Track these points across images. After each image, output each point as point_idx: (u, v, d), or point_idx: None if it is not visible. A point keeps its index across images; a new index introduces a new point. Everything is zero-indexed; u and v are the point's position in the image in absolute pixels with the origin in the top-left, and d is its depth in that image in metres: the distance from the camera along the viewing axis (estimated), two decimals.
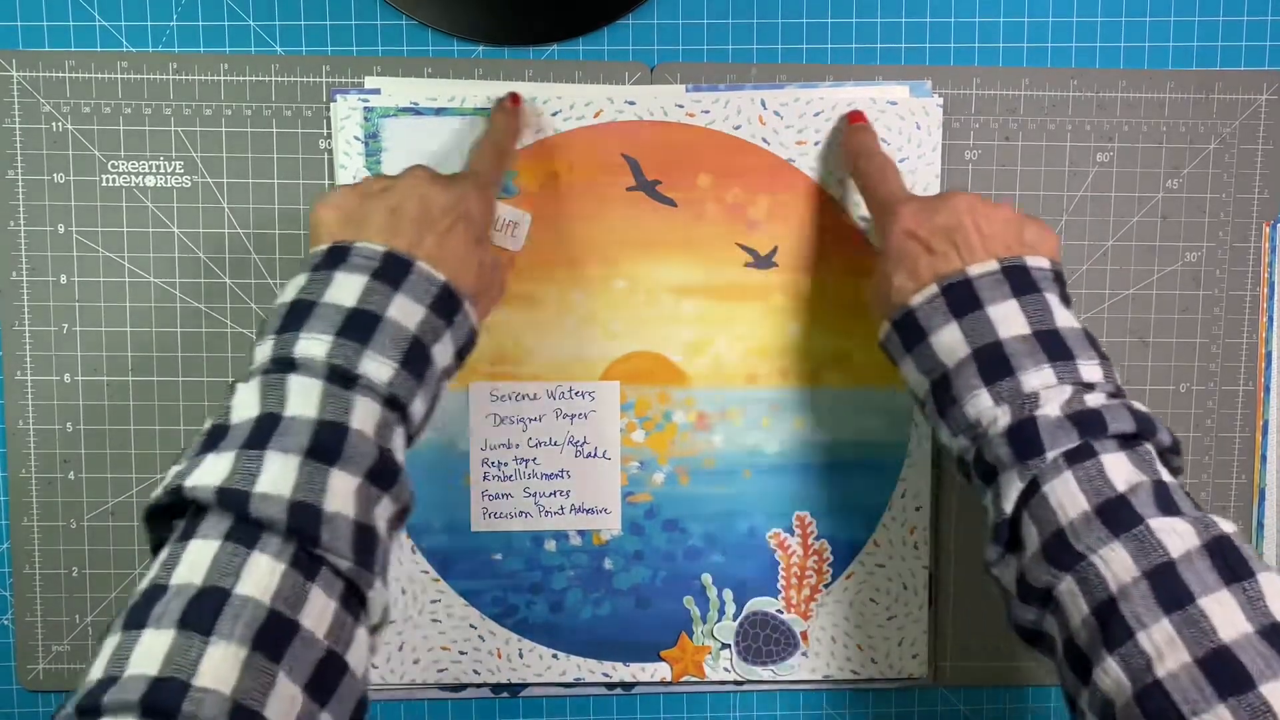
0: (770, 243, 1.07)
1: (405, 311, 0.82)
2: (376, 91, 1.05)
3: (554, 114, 1.05)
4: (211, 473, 0.75)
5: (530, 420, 1.08)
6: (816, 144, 1.07)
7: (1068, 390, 0.82)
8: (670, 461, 1.09)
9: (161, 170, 1.06)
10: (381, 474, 0.78)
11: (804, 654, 1.11)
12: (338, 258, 0.84)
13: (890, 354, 0.92)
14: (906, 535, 1.10)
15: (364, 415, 0.79)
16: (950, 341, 0.85)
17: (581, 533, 1.09)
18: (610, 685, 1.12)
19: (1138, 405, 0.83)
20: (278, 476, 0.74)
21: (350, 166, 1.05)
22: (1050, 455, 0.80)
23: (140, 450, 1.09)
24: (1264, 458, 1.13)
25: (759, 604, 1.11)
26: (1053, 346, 0.83)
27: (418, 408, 0.83)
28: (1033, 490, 0.80)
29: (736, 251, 1.07)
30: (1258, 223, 1.11)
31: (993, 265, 0.86)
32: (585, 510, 1.09)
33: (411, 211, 0.86)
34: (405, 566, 1.09)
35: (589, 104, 1.05)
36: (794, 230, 1.07)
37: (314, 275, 0.83)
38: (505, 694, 1.12)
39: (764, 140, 1.06)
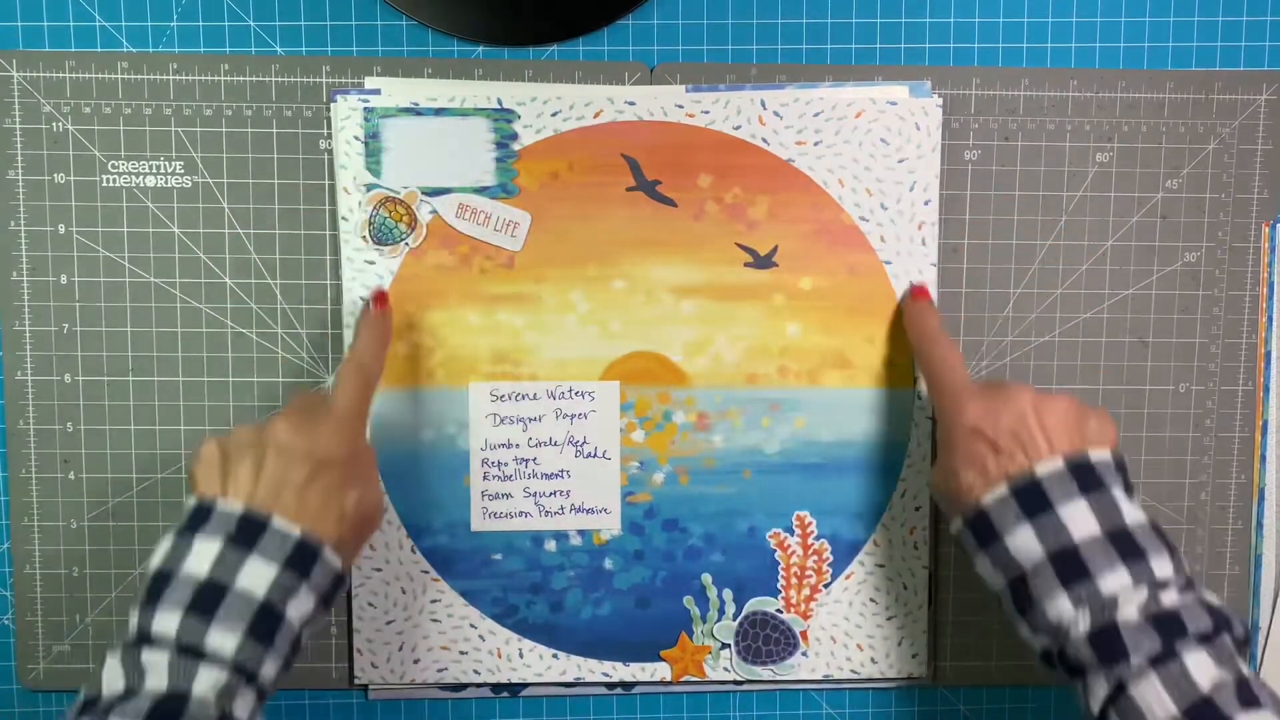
0: (770, 243, 1.07)
1: (255, 576, 0.85)
2: (377, 92, 1.05)
3: (554, 114, 1.05)
4: None
5: (530, 420, 1.08)
6: (816, 144, 1.06)
7: (1144, 591, 0.85)
8: (670, 461, 1.09)
9: (162, 170, 1.06)
10: None
11: (804, 654, 1.11)
12: (199, 519, 0.88)
13: (964, 547, 0.95)
14: (906, 535, 1.10)
15: (206, 683, 0.82)
16: (1025, 544, 0.88)
17: (581, 533, 1.09)
18: (610, 685, 1.12)
19: (1211, 598, 0.86)
20: None
21: (350, 167, 1.05)
22: (1135, 660, 0.82)
23: (140, 450, 1.09)
24: (1264, 458, 1.13)
25: (759, 604, 1.11)
26: (1125, 546, 0.86)
27: (268, 669, 0.86)
28: (1119, 692, 0.83)
29: (736, 251, 1.07)
30: (1257, 223, 1.11)
31: (1059, 464, 0.89)
32: (585, 510, 1.09)
33: (270, 466, 0.89)
34: (405, 566, 1.09)
35: (589, 104, 1.05)
36: (794, 230, 1.07)
37: (178, 540, 0.87)
38: (505, 694, 1.12)
39: (764, 140, 1.06)
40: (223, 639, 0.83)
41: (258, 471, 0.89)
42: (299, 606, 0.87)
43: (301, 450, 0.90)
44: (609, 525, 1.09)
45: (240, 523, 0.87)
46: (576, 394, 1.08)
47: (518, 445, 1.09)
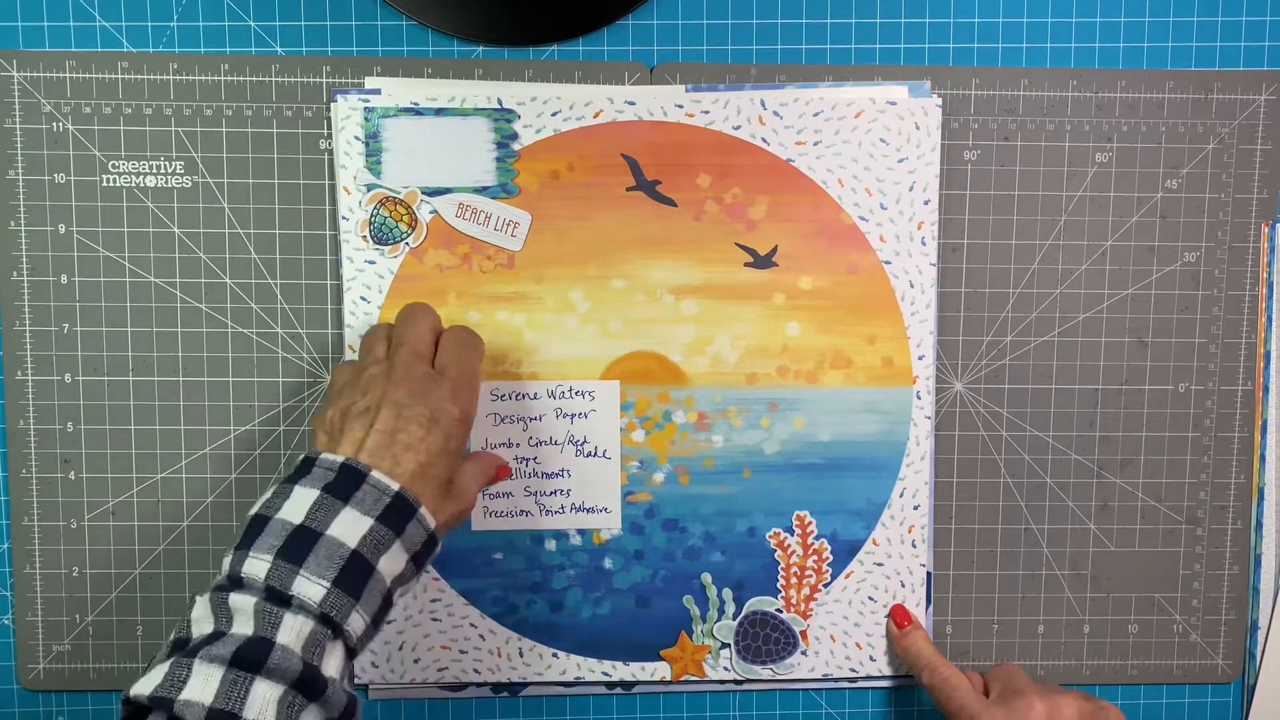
0: (770, 242, 1.07)
1: (349, 526, 0.86)
2: (377, 92, 1.05)
3: (554, 114, 1.06)
4: (150, 681, 0.80)
5: (531, 419, 1.08)
6: (816, 144, 1.06)
7: None
8: (670, 461, 1.09)
9: (162, 170, 1.06)
10: (308, 685, 0.82)
11: (803, 653, 1.11)
12: (303, 470, 0.90)
13: None
14: (905, 534, 1.10)
15: (292, 631, 0.82)
16: None
17: (581, 532, 1.09)
18: (610, 685, 1.12)
19: None
20: (202, 685, 0.79)
21: (350, 167, 1.05)
22: None
23: (140, 450, 1.09)
24: (1263, 458, 1.13)
25: (758, 603, 1.11)
26: None
27: (355, 622, 0.86)
28: None
29: (736, 251, 1.07)
30: (1256, 223, 1.11)
31: None
32: (585, 509, 1.10)
33: (382, 422, 0.91)
34: None
35: (589, 104, 1.06)
36: (793, 230, 1.07)
37: (279, 488, 0.89)
38: (505, 693, 1.12)
39: (763, 140, 1.06)
40: (310, 586, 0.83)
41: (369, 427, 0.90)
42: (391, 562, 0.88)
43: (418, 409, 0.92)
44: (609, 524, 1.10)
45: (340, 473, 0.88)
46: (577, 393, 1.08)
47: (518, 444, 1.08)
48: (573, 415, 1.09)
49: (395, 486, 0.88)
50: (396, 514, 0.88)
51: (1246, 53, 1.10)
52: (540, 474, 1.09)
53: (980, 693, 1.04)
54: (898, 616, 1.10)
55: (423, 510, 0.90)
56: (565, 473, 1.09)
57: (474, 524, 1.09)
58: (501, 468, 1.04)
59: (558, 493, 1.09)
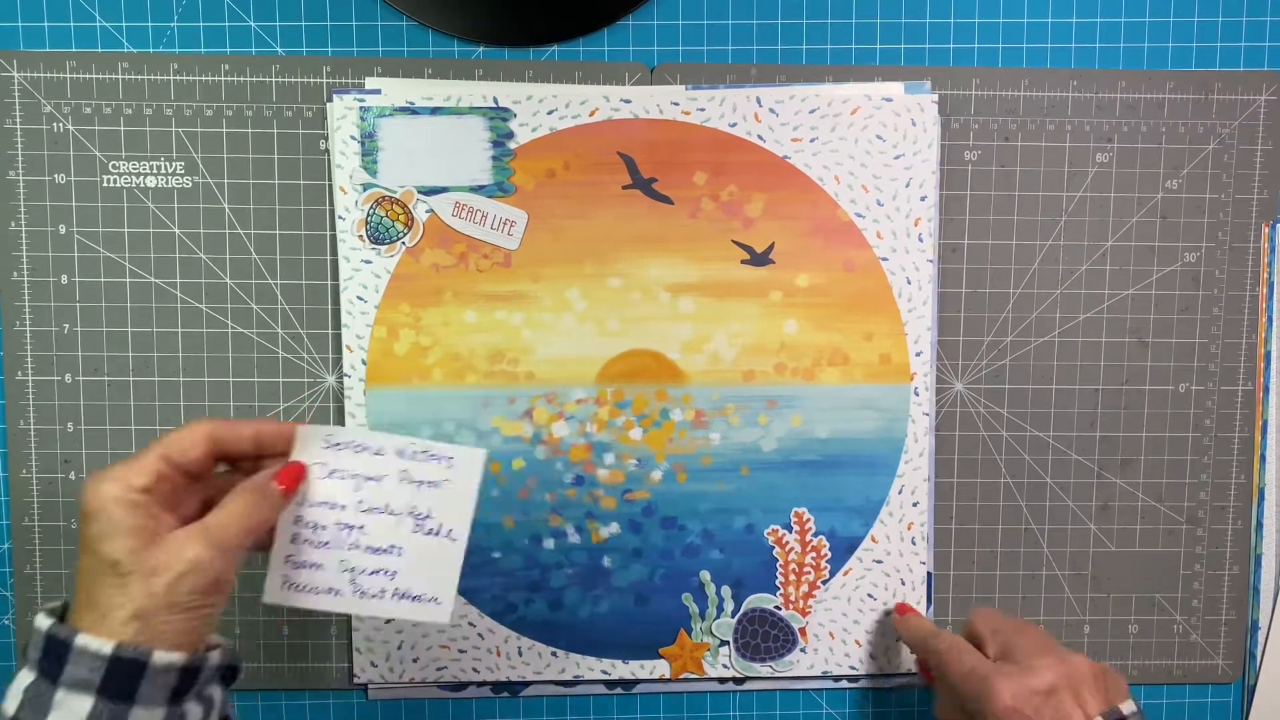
0: (766, 240, 1.07)
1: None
2: (376, 92, 1.05)
3: (550, 112, 1.06)
4: None
5: (367, 479, 0.90)
6: (812, 141, 1.07)
7: None
8: (668, 459, 1.09)
9: (162, 171, 1.07)
10: None
11: (802, 650, 1.11)
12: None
13: None
14: (904, 531, 1.10)
15: None
16: None
17: (580, 530, 1.09)
18: (610, 683, 1.12)
19: None
20: None
21: (346, 166, 1.05)
22: None
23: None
24: (1263, 458, 1.13)
25: (757, 600, 1.11)
26: None
27: None
28: None
29: (733, 249, 1.07)
30: (1257, 223, 1.11)
31: None
32: (410, 597, 0.90)
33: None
34: None
35: (584, 102, 1.06)
36: (790, 227, 1.07)
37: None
38: (505, 693, 1.12)
39: (760, 137, 1.06)
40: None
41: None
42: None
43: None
44: (436, 616, 0.91)
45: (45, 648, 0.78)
46: (432, 458, 0.90)
47: (343, 506, 0.89)
48: (421, 483, 0.90)
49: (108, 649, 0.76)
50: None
51: (1246, 53, 1.10)
52: (364, 547, 0.90)
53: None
54: (900, 609, 1.10)
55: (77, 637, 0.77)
56: (395, 549, 0.90)
57: (267, 595, 0.89)
58: (283, 473, 0.87)
59: (380, 573, 0.90)
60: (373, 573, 0.90)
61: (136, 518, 0.79)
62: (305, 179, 1.07)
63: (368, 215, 1.06)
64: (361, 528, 0.89)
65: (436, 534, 0.90)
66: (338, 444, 0.89)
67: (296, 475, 0.87)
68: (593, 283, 1.07)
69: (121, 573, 0.77)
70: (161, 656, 0.77)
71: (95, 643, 0.75)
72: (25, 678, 0.77)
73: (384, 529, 0.89)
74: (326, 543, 0.89)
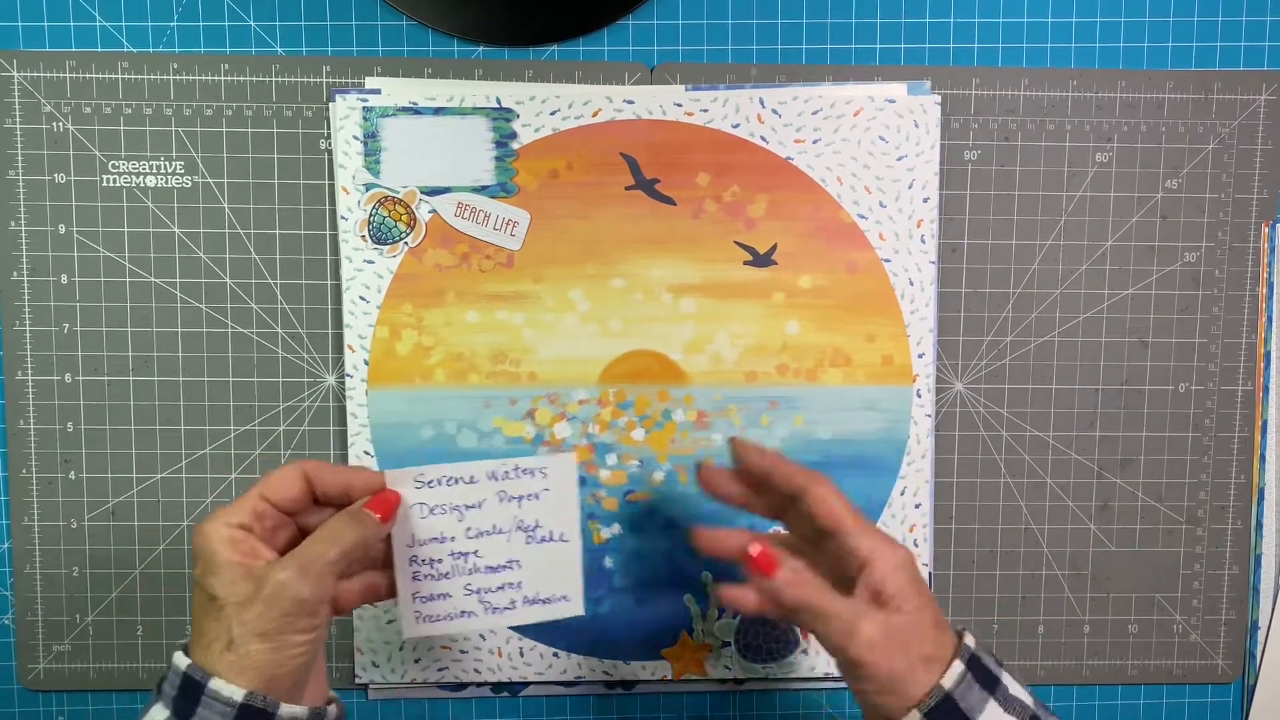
0: (769, 240, 1.07)
1: None
2: (377, 91, 1.05)
3: (553, 113, 1.06)
4: None
5: (468, 508, 0.93)
6: (815, 142, 1.07)
7: None
8: (670, 459, 1.09)
9: (162, 170, 1.06)
10: None
11: (804, 651, 1.11)
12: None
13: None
14: (907, 533, 1.10)
15: None
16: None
17: (581, 530, 1.09)
18: (611, 684, 1.12)
19: None
20: None
21: (349, 166, 1.05)
22: None
23: (140, 450, 1.09)
24: (1263, 458, 1.13)
25: None
26: None
27: None
28: None
29: (735, 249, 1.07)
30: (1256, 223, 1.11)
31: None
32: (541, 601, 0.95)
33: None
34: None
35: (587, 103, 1.06)
36: (793, 228, 1.07)
37: None
38: (505, 693, 1.12)
39: (762, 139, 1.06)
40: None
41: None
42: None
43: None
44: (572, 611, 0.96)
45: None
46: (523, 472, 0.93)
47: (453, 538, 0.93)
48: (520, 498, 0.93)
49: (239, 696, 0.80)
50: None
51: (1246, 53, 1.10)
52: (483, 568, 0.93)
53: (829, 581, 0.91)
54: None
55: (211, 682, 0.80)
56: (514, 564, 0.94)
57: (405, 632, 0.93)
58: (376, 502, 0.89)
59: (505, 587, 0.94)
60: (498, 589, 0.94)
61: (235, 553, 0.82)
62: (305, 179, 1.07)
63: (370, 215, 1.05)
64: (475, 552, 0.93)
65: (549, 540, 0.94)
66: (429, 481, 0.91)
67: (391, 502, 0.89)
68: (595, 283, 1.07)
69: (219, 605, 0.80)
70: (287, 710, 0.80)
71: (228, 689, 0.78)
72: (159, 713, 0.80)
73: (497, 548, 0.93)
74: (446, 574, 0.93)
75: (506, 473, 0.93)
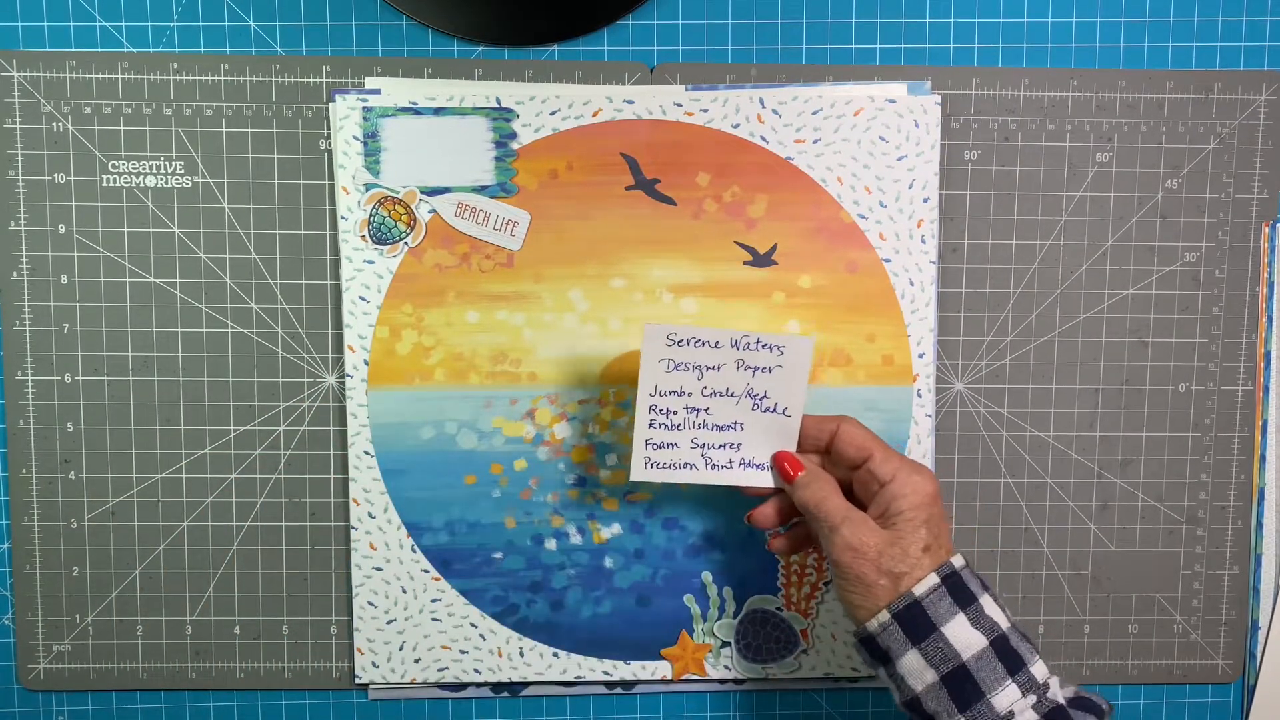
0: (769, 241, 1.07)
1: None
2: (376, 92, 1.05)
3: (553, 113, 1.06)
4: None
5: (707, 369, 0.99)
6: (815, 142, 1.06)
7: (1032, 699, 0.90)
8: None
9: (162, 170, 1.06)
10: None
11: (804, 651, 1.11)
12: None
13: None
14: None
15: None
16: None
17: (582, 531, 1.09)
18: (611, 684, 1.12)
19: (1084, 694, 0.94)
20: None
21: (349, 166, 1.05)
22: None
23: (140, 450, 1.09)
24: (1263, 458, 1.13)
25: (759, 602, 1.11)
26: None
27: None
28: None
29: (735, 250, 1.07)
30: (1257, 223, 1.11)
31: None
32: (755, 465, 1.02)
33: None
34: (405, 565, 1.09)
35: (587, 103, 1.06)
36: (793, 228, 1.07)
37: None
38: (505, 693, 1.12)
39: (763, 139, 1.06)
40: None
41: None
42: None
43: None
44: (771, 481, 1.02)
45: None
46: (763, 346, 0.99)
47: (690, 393, 1.00)
48: (756, 369, 0.99)
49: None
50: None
51: (1246, 53, 1.10)
52: (710, 425, 1.01)
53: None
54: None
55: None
56: (738, 425, 1.01)
57: (633, 473, 1.01)
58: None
59: (726, 446, 1.01)
60: (720, 446, 1.01)
61: None
62: (305, 179, 1.07)
63: (370, 215, 1.05)
64: (707, 409, 1.00)
65: (773, 410, 1.00)
66: (680, 340, 0.98)
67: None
68: (595, 283, 1.07)
69: None
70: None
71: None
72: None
73: (726, 409, 1.01)
74: (679, 425, 1.00)
75: (749, 344, 0.99)
